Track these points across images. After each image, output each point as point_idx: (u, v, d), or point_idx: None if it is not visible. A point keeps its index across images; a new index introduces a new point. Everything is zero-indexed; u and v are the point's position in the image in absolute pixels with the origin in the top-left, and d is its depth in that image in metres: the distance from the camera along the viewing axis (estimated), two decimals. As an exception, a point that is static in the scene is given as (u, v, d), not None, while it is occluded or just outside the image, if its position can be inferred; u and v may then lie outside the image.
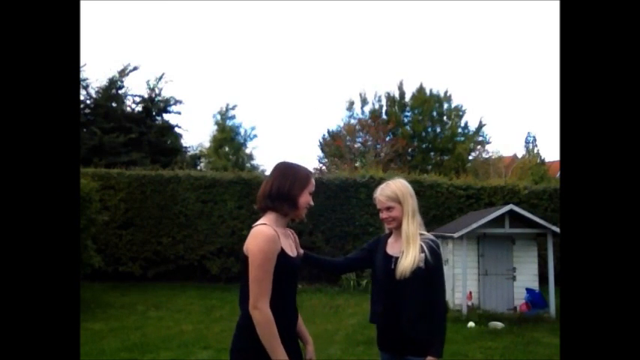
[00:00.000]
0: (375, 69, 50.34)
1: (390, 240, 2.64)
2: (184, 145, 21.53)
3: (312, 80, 55.51)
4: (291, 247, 2.17)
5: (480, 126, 29.12)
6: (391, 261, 2.51)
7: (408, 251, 2.45)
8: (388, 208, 2.57)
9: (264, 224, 2.02)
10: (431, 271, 2.46)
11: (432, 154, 29.23)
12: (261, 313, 1.89)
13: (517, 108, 51.48)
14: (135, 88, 24.38)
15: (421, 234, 2.53)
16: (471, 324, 7.97)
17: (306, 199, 2.16)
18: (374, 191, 2.69)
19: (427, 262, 2.46)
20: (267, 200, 2.10)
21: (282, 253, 2.00)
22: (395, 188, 2.57)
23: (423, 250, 2.47)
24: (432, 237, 2.57)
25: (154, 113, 19.71)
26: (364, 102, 30.01)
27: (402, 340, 2.44)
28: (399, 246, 2.53)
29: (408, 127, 28.93)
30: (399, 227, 2.55)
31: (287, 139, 53.44)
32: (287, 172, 2.16)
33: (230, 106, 30.52)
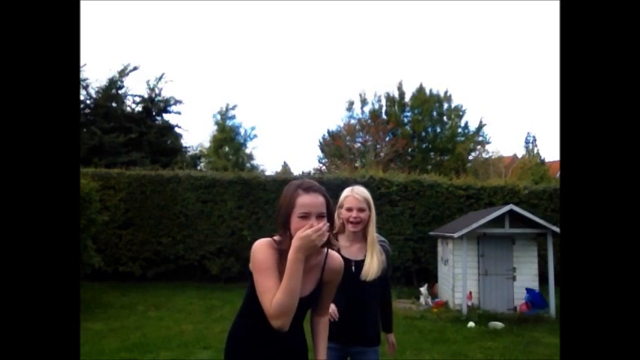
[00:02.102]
0: (374, 69, 50.38)
1: (344, 243, 2.69)
2: (184, 145, 21.54)
3: (312, 80, 55.55)
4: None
5: (480, 126, 29.14)
6: (351, 264, 2.60)
7: (373, 256, 2.61)
8: (361, 209, 2.66)
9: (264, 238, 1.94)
10: (386, 270, 2.71)
11: (432, 154, 29.24)
12: (274, 319, 1.77)
13: (517, 108, 51.54)
14: (135, 88, 24.38)
15: (376, 236, 2.73)
16: (471, 324, 7.97)
17: (296, 225, 1.83)
18: (343, 191, 2.80)
19: (383, 262, 2.69)
20: (276, 222, 1.95)
21: None
22: (368, 194, 2.72)
23: (381, 253, 2.68)
24: (383, 238, 2.77)
25: (154, 113, 19.71)
26: (364, 102, 30.04)
27: (363, 336, 2.70)
28: (355, 250, 2.67)
29: (408, 127, 28.94)
30: (360, 231, 2.67)
31: (287, 139, 53.51)
32: (283, 192, 1.94)
33: (230, 106, 30.54)
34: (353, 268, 2.60)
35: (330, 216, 1.91)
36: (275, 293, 1.76)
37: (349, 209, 2.67)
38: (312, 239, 1.76)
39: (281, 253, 1.85)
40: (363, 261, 2.63)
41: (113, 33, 49.36)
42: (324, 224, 1.81)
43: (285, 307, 1.75)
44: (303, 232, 1.78)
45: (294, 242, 1.77)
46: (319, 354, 1.99)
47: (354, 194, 2.68)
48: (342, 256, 2.59)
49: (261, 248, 1.86)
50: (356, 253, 2.65)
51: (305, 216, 1.84)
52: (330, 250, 2.00)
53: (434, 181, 12.87)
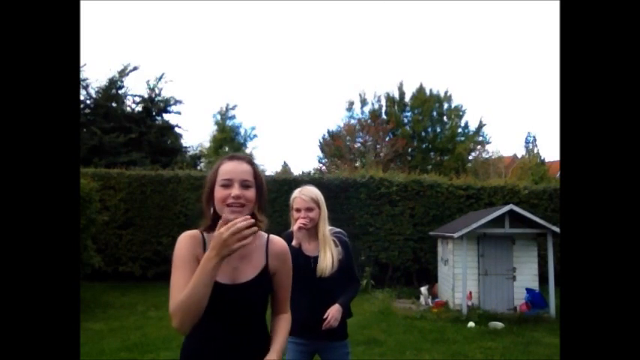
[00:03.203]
0: (374, 69, 50.38)
1: (303, 240, 2.80)
2: (184, 145, 21.52)
3: (312, 80, 55.53)
4: (233, 271, 1.73)
5: (480, 126, 29.14)
6: (310, 261, 2.72)
7: (325, 252, 2.70)
8: (309, 209, 2.72)
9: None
10: (347, 260, 2.77)
11: (432, 154, 29.24)
12: (174, 318, 1.63)
13: (517, 108, 51.54)
14: (135, 88, 24.29)
15: (330, 229, 2.80)
16: (471, 324, 7.97)
17: (218, 195, 1.67)
18: (294, 192, 2.82)
19: (340, 254, 2.76)
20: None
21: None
22: (316, 192, 2.78)
23: (337, 245, 2.76)
24: (339, 230, 2.85)
25: (154, 113, 19.69)
26: (364, 102, 30.04)
27: (329, 330, 2.70)
28: (313, 247, 2.77)
29: (408, 127, 28.94)
30: (312, 229, 2.74)
31: (287, 139, 53.51)
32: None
33: (230, 106, 30.55)
34: (312, 264, 2.70)
35: (260, 190, 1.73)
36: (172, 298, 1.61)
37: (297, 210, 2.74)
38: (224, 239, 1.48)
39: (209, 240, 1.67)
40: (319, 257, 2.73)
41: (113, 33, 49.37)
42: (242, 220, 1.51)
43: (181, 305, 1.56)
44: (218, 229, 1.54)
45: (212, 240, 1.53)
46: (270, 353, 1.72)
47: (301, 195, 2.74)
48: (303, 253, 2.73)
49: (181, 240, 1.70)
50: (314, 250, 2.75)
51: (227, 184, 1.65)
52: (271, 235, 1.83)
53: (434, 181, 12.87)
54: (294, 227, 2.73)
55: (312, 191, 2.77)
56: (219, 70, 54.00)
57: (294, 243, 2.69)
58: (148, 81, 19.73)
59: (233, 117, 30.80)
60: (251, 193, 1.68)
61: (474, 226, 8.63)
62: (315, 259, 2.71)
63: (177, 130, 20.55)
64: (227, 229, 1.49)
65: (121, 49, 46.73)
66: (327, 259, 2.68)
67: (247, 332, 1.74)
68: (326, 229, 2.75)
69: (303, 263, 2.70)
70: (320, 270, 2.67)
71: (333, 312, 2.66)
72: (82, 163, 13.58)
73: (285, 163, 35.89)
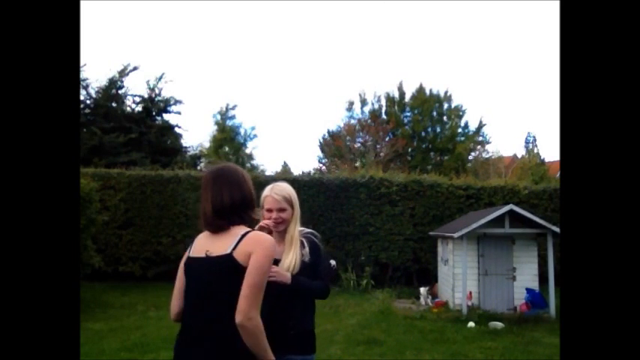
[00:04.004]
0: (374, 69, 50.37)
1: None
2: (184, 145, 21.51)
3: (312, 80, 55.55)
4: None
5: (480, 126, 29.13)
6: (278, 264, 2.45)
7: (288, 253, 2.44)
8: (281, 209, 2.48)
9: (255, 230, 1.95)
10: (313, 262, 2.50)
11: (432, 154, 29.24)
12: (255, 322, 1.75)
13: (517, 108, 51.51)
14: (135, 88, 24.26)
15: (300, 230, 2.53)
16: (471, 324, 7.97)
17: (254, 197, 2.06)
18: (267, 191, 2.55)
19: (308, 256, 2.49)
20: (231, 213, 1.91)
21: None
22: (289, 191, 2.53)
23: (304, 246, 2.50)
24: (310, 230, 2.58)
25: (154, 113, 19.69)
26: (364, 102, 30.04)
27: (288, 338, 2.37)
28: (281, 249, 2.49)
29: (407, 127, 28.94)
30: (282, 231, 2.49)
31: (287, 139, 53.49)
32: (236, 177, 1.97)
33: (230, 106, 30.54)
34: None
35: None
36: (259, 305, 1.81)
37: (269, 210, 2.49)
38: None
39: None
40: None
41: (113, 33, 49.38)
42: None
43: (257, 330, 1.80)
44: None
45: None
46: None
47: (273, 194, 2.49)
48: None
49: (274, 250, 1.87)
50: (280, 253, 2.46)
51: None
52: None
53: (434, 181, 12.87)
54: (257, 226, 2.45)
55: (284, 189, 2.52)
56: (219, 70, 54.04)
57: None
58: (148, 81, 19.74)
59: (233, 117, 30.81)
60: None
61: (474, 226, 8.63)
62: (276, 261, 2.40)
63: (177, 130, 20.57)
64: None
65: (121, 49, 46.75)
66: (289, 260, 2.42)
67: (215, 318, 1.82)
68: (295, 230, 2.49)
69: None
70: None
71: (280, 271, 2.34)
72: (82, 163, 13.57)
73: (285, 163, 35.91)
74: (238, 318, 1.73)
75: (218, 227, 1.91)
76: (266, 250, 1.83)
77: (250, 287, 1.76)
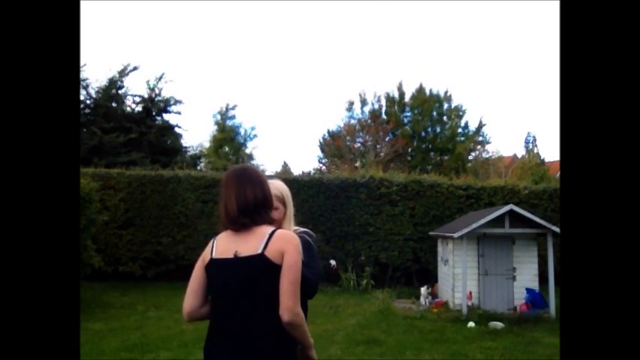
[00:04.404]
0: (374, 69, 50.36)
1: None
2: (184, 145, 21.51)
3: (312, 80, 55.55)
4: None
5: (480, 126, 29.13)
6: None
7: None
8: (274, 208, 2.39)
9: (281, 228, 2.02)
10: (306, 262, 2.39)
11: (432, 154, 29.23)
12: (301, 315, 1.84)
13: (517, 108, 51.50)
14: (135, 88, 24.35)
15: (295, 229, 2.47)
16: (471, 324, 7.97)
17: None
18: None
19: (302, 253, 2.45)
20: (255, 212, 1.95)
21: None
22: (282, 189, 2.47)
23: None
24: (304, 229, 2.53)
25: (154, 113, 19.69)
26: (364, 102, 30.04)
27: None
28: None
29: (407, 127, 28.94)
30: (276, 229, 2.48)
31: (287, 139, 53.50)
32: (257, 176, 2.03)
33: (230, 106, 30.55)
34: None
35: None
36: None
37: None
38: None
39: None
40: None
41: (113, 33, 49.37)
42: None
43: (302, 322, 1.90)
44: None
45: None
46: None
47: None
48: None
49: (299, 241, 1.94)
50: None
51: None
52: (280, 229, 1.99)
53: (434, 181, 12.87)
54: None
55: (278, 187, 2.46)
56: (219, 70, 54.02)
57: None
58: (148, 81, 19.73)
59: (233, 117, 30.82)
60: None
61: (474, 226, 8.63)
62: None
63: (177, 130, 20.57)
64: None
65: (121, 49, 46.74)
66: None
67: (249, 317, 1.86)
68: (291, 229, 2.45)
69: None
70: None
71: None
72: (82, 163, 13.57)
73: (285, 163, 35.85)
74: (287, 315, 1.78)
75: (243, 225, 1.92)
76: (297, 247, 1.90)
77: (291, 284, 1.82)
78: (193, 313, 1.98)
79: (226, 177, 2.02)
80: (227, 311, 1.89)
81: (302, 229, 2.53)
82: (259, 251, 1.85)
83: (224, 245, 1.94)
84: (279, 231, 1.92)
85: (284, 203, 2.45)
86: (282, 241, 1.88)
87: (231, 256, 1.88)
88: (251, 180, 1.98)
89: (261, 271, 1.84)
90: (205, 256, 1.99)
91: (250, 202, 1.93)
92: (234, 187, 1.95)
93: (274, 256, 1.84)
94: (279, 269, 1.83)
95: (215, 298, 1.96)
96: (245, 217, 1.92)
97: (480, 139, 28.95)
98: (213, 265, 1.95)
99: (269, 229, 1.92)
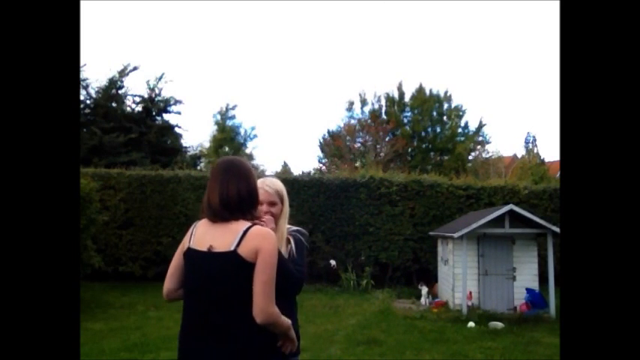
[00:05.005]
0: (374, 69, 50.37)
1: None
2: (184, 145, 21.52)
3: (312, 80, 55.55)
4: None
5: (480, 126, 29.12)
6: None
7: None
8: (272, 203, 2.43)
9: (257, 225, 1.92)
10: (295, 256, 2.44)
11: (432, 154, 29.23)
12: (275, 314, 1.82)
13: (517, 108, 51.51)
14: (135, 88, 24.35)
15: (288, 227, 2.49)
16: (471, 324, 7.97)
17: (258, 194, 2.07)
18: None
19: (292, 252, 2.44)
20: (235, 206, 1.90)
21: None
22: (280, 186, 2.50)
23: (289, 242, 2.46)
24: (297, 228, 2.54)
25: (154, 113, 19.69)
26: (364, 102, 30.04)
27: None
28: None
29: (407, 127, 28.94)
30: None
31: (287, 139, 53.50)
32: (245, 170, 1.98)
33: (230, 106, 30.56)
34: None
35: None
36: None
37: (259, 203, 2.41)
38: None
39: None
40: None
41: (113, 33, 49.37)
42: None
43: (278, 318, 1.87)
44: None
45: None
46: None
47: (265, 186, 2.44)
48: None
49: (277, 243, 1.90)
50: None
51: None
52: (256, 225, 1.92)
53: (434, 181, 12.86)
54: (264, 219, 2.40)
55: (276, 184, 2.49)
56: (219, 69, 54.02)
57: None
58: (148, 81, 19.73)
59: (233, 117, 30.82)
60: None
61: (474, 226, 8.63)
62: None
63: (177, 130, 20.56)
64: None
65: (121, 49, 46.74)
66: None
67: (219, 314, 1.84)
68: (285, 227, 2.46)
69: None
70: None
71: (268, 220, 2.28)
72: (82, 163, 13.56)
73: (285, 163, 35.83)
74: (260, 317, 1.77)
75: (222, 218, 1.90)
76: (273, 245, 1.85)
77: (264, 284, 1.79)
78: (170, 294, 2.03)
79: (214, 168, 2.02)
80: (197, 305, 1.90)
81: (295, 228, 2.54)
82: (232, 248, 1.82)
83: (201, 235, 1.93)
84: (254, 228, 1.87)
85: (282, 200, 2.46)
86: (257, 239, 1.83)
87: (205, 249, 1.87)
88: (237, 174, 1.95)
89: (233, 268, 1.82)
90: (184, 243, 1.99)
91: (233, 197, 1.90)
92: (219, 180, 1.94)
93: (248, 254, 1.81)
94: (252, 267, 1.80)
95: (186, 290, 1.96)
96: (226, 210, 1.90)
97: (480, 139, 28.95)
98: (189, 255, 1.95)
99: (244, 225, 1.87)
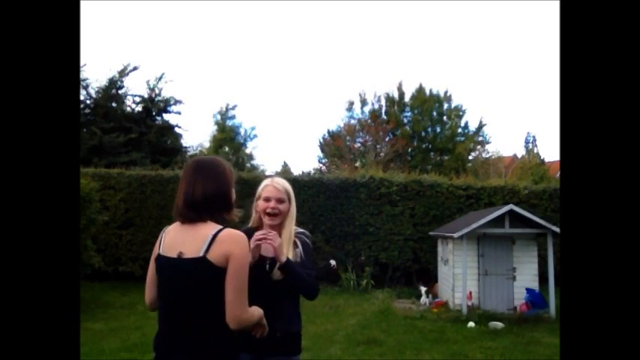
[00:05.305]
0: (374, 69, 50.38)
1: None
2: (184, 145, 21.49)
3: (312, 80, 55.55)
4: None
5: (480, 126, 29.13)
6: (265, 262, 2.38)
7: (288, 254, 2.39)
8: (280, 200, 2.44)
9: (227, 227, 1.82)
10: (304, 262, 2.46)
11: (432, 154, 29.23)
12: (248, 319, 1.76)
13: (517, 108, 51.52)
14: (135, 88, 24.32)
15: (294, 229, 2.51)
16: (471, 324, 7.97)
17: (234, 196, 1.94)
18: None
19: (301, 256, 2.46)
20: (202, 207, 1.83)
21: None
22: (288, 186, 2.51)
23: (297, 246, 2.47)
24: (302, 230, 2.55)
25: (154, 113, 19.68)
26: (364, 102, 30.04)
27: (274, 339, 2.28)
28: (270, 246, 2.40)
29: (407, 127, 28.94)
30: (277, 226, 2.45)
31: (287, 139, 53.51)
32: (217, 171, 1.88)
33: (230, 106, 30.56)
34: (267, 266, 2.37)
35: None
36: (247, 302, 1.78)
37: (267, 199, 2.44)
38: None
39: None
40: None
41: (113, 33, 49.37)
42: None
43: (252, 319, 1.82)
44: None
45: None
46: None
47: (274, 183, 2.47)
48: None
49: (248, 246, 1.82)
50: (271, 250, 2.35)
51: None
52: (227, 229, 1.83)
53: (434, 181, 12.86)
54: (265, 219, 2.42)
55: (284, 182, 2.50)
56: (219, 69, 54.06)
57: (256, 241, 2.30)
58: (148, 81, 19.73)
59: (233, 117, 30.83)
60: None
61: (474, 226, 8.63)
62: (273, 260, 2.37)
63: (177, 130, 20.56)
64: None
65: (121, 49, 46.75)
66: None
67: (190, 321, 1.79)
68: (292, 228, 2.46)
69: (258, 264, 2.36)
70: (275, 273, 2.34)
71: (274, 237, 2.28)
72: (82, 163, 13.56)
73: (285, 163, 35.82)
74: (234, 324, 1.72)
75: (189, 220, 1.85)
76: (244, 249, 1.77)
77: (236, 290, 1.72)
78: (153, 304, 2.00)
79: (184, 168, 1.97)
80: (170, 312, 1.85)
81: (299, 230, 2.55)
82: (201, 254, 1.75)
83: (171, 241, 1.88)
84: (224, 231, 1.78)
85: (289, 199, 2.48)
86: (227, 243, 1.75)
87: (175, 255, 1.82)
88: (206, 174, 1.86)
89: (204, 275, 1.75)
90: (155, 250, 1.94)
91: (198, 197, 1.83)
92: (187, 180, 1.89)
93: (217, 260, 1.73)
94: (223, 272, 1.73)
95: (159, 298, 1.92)
96: (190, 210, 1.84)
97: (480, 139, 28.94)
98: (159, 261, 1.90)
99: (214, 229, 1.80)
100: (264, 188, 2.48)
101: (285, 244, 2.41)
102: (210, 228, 1.81)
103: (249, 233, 2.39)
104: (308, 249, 2.51)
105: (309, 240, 2.55)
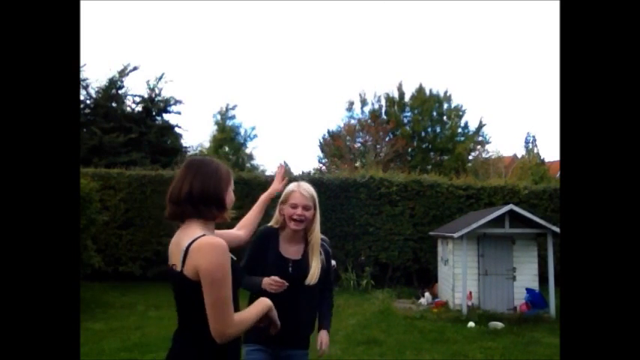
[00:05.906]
0: (374, 69, 50.37)
1: (283, 240, 2.56)
2: (184, 145, 21.50)
3: (312, 80, 55.55)
4: None
5: (480, 126, 29.12)
6: (288, 264, 2.46)
7: (315, 260, 2.48)
8: (306, 207, 2.50)
9: (204, 235, 1.72)
10: (325, 269, 2.56)
11: (431, 154, 29.23)
12: (234, 333, 1.68)
13: (517, 108, 51.51)
14: (135, 88, 24.36)
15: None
16: (471, 324, 7.97)
17: (231, 197, 1.90)
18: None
19: (323, 263, 2.56)
20: (187, 205, 1.79)
21: (232, 263, 1.75)
22: (314, 192, 2.59)
23: (320, 253, 2.55)
24: (324, 237, 2.66)
25: (154, 113, 19.69)
26: (364, 102, 30.05)
27: (295, 337, 2.46)
28: (295, 249, 2.53)
29: (407, 127, 28.94)
30: (301, 230, 2.52)
31: (287, 139, 53.49)
32: (206, 169, 1.83)
33: (230, 106, 30.55)
34: (290, 268, 2.45)
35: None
36: (232, 316, 1.66)
37: (294, 206, 2.48)
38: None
39: None
40: (299, 261, 2.49)
41: (113, 33, 49.37)
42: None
43: (238, 332, 1.71)
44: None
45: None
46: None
47: (301, 190, 2.51)
48: (280, 254, 2.49)
49: (224, 254, 1.67)
50: (294, 252, 2.50)
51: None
52: (205, 236, 1.73)
53: (434, 181, 12.87)
54: (290, 225, 2.47)
55: (311, 189, 2.57)
56: (219, 70, 54.03)
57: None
58: (148, 81, 19.74)
59: (233, 117, 30.82)
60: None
61: (474, 226, 8.63)
62: (296, 263, 2.47)
63: (177, 130, 20.56)
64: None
65: (121, 49, 46.75)
66: (313, 269, 2.46)
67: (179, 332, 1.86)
68: (318, 233, 2.53)
69: (278, 264, 2.44)
70: (309, 279, 2.43)
71: (324, 339, 2.54)
72: (82, 163, 13.56)
73: (285, 163, 35.87)
74: (219, 339, 1.65)
75: (173, 216, 1.85)
76: (212, 261, 1.63)
77: (212, 307, 1.63)
78: None
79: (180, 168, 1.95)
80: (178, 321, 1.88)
81: (321, 236, 2.64)
82: (179, 269, 1.71)
83: (170, 246, 1.89)
84: (196, 242, 1.69)
85: (315, 206, 2.57)
86: (195, 257, 1.66)
87: (171, 265, 1.81)
88: (195, 172, 1.82)
89: (185, 291, 1.73)
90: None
91: (183, 194, 1.79)
92: (177, 178, 1.87)
93: (192, 274, 1.67)
94: (199, 285, 1.65)
95: None
96: (175, 207, 1.83)
97: (480, 139, 28.94)
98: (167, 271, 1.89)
99: (190, 238, 1.73)
100: (291, 194, 2.52)
101: (313, 250, 2.52)
102: (189, 235, 1.76)
103: (272, 232, 2.53)
104: (328, 257, 2.62)
105: (329, 246, 2.66)
